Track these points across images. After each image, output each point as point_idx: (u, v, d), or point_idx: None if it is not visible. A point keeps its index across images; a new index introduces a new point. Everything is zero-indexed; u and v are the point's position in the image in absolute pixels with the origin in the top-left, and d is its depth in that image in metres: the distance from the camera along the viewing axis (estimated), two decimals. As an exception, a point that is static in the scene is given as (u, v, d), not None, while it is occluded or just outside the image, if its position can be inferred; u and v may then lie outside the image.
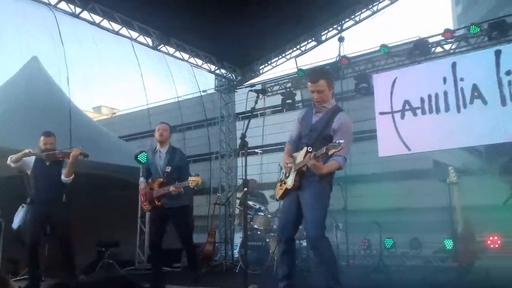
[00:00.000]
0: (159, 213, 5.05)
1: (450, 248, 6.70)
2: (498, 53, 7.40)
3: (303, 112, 3.87)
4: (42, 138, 5.24)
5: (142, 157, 7.43)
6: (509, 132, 7.12)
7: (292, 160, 3.61)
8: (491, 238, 6.78)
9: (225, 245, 8.47)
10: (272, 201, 7.65)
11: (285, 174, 3.68)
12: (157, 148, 5.24)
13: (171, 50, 9.47)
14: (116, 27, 8.46)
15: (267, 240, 6.78)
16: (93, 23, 8.17)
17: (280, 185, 3.72)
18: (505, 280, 5.58)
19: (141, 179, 5.21)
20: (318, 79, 3.58)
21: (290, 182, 3.55)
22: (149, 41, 9.10)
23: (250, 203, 7.14)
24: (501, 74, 7.29)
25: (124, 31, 8.61)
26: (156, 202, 4.98)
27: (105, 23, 8.29)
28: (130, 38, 8.82)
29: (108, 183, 7.79)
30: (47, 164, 5.15)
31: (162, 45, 9.23)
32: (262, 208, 7.20)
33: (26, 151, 5.14)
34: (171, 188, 4.84)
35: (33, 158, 5.17)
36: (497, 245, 6.73)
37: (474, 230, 5.87)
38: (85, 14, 8.00)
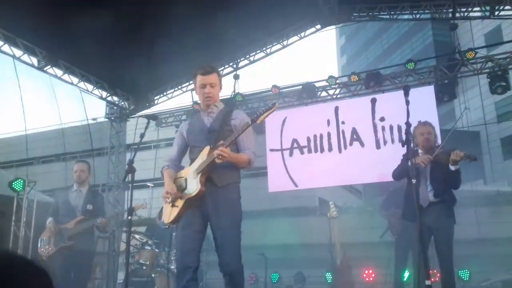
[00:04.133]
0: (63, 258, 4.67)
1: (330, 281, 7.04)
2: (373, 101, 8.24)
3: (187, 123, 3.40)
4: None
5: (17, 185, 6.77)
6: (382, 172, 7.82)
7: (176, 185, 3.09)
8: (366, 271, 7.30)
9: (107, 282, 7.91)
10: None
11: (172, 201, 3.07)
12: (75, 187, 5.02)
13: (59, 72, 8.90)
14: (-3, 43, 7.78)
15: (153, 275, 6.48)
16: (-32, 36, 7.42)
17: (172, 205, 3.06)
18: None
19: (50, 219, 4.82)
20: (211, 71, 3.19)
21: (193, 188, 2.97)
22: (34, 61, 8.47)
23: (137, 236, 6.81)
24: (375, 120, 8.11)
25: (6, 48, 7.94)
26: (67, 242, 4.63)
27: (-17, 37, 7.58)
28: (13, 57, 8.13)
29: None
30: None
31: (49, 67, 8.65)
32: (150, 242, 6.90)
33: None
34: (98, 220, 4.72)
35: None
36: (371, 278, 7.26)
37: (352, 263, 6.25)
38: (-41, 26, 7.24)
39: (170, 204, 3.07)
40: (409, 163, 3.19)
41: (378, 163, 7.68)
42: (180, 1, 7.46)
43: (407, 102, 3.22)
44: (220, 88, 3.30)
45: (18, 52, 8.17)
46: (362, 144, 8.06)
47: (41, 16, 7.21)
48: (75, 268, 4.69)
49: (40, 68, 8.61)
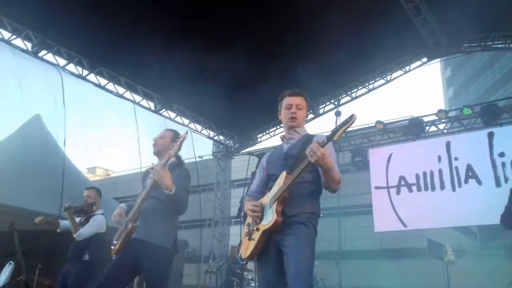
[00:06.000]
0: (128, 252, 3.27)
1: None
2: (491, 135, 7.62)
3: (268, 153, 3.16)
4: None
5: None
6: (504, 213, 7.12)
7: (260, 203, 2.79)
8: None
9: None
10: None
11: (252, 226, 2.81)
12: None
13: (172, 115, 9.67)
14: (121, 90, 8.70)
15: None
16: (98, 85, 8.39)
17: (249, 238, 2.78)
18: None
19: (122, 205, 3.61)
20: (299, 93, 3.02)
21: (268, 219, 2.67)
22: (151, 105, 9.30)
23: (244, 272, 6.90)
24: (494, 156, 7.47)
25: (127, 94, 8.85)
26: (129, 226, 3.27)
27: (110, 86, 8.53)
28: (133, 102, 9.01)
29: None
30: (82, 220, 4.97)
31: (164, 110, 9.43)
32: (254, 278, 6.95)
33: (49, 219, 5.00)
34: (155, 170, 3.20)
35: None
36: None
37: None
38: (91, 77, 8.24)
39: (247, 238, 2.81)
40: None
41: (499, 203, 6.97)
42: (278, 41, 7.73)
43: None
44: (306, 116, 3.09)
45: (137, 98, 9.05)
46: (479, 182, 7.44)
47: (158, 64, 7.95)
48: (141, 267, 3.27)
49: (156, 112, 9.41)
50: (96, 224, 4.88)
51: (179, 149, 3.23)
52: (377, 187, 8.48)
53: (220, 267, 8.99)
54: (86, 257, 4.77)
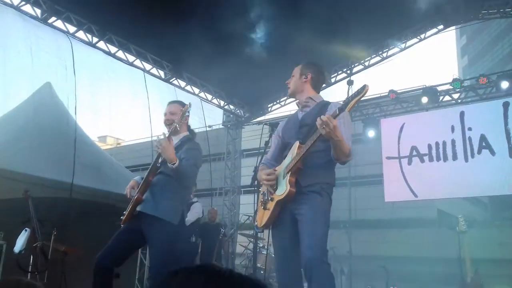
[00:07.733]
0: (135, 223, 3.30)
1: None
2: (506, 105, 7.48)
3: (284, 120, 3.21)
4: None
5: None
6: (517, 184, 7.07)
7: (274, 172, 2.82)
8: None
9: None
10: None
11: (266, 196, 2.85)
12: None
13: (182, 83, 9.60)
14: (131, 58, 8.61)
15: (270, 281, 6.58)
16: (108, 53, 8.31)
17: (264, 207, 2.83)
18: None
19: (136, 177, 3.58)
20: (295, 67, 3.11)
21: (282, 189, 2.70)
22: (161, 73, 9.23)
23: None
24: (509, 126, 7.36)
25: (137, 62, 8.76)
26: (134, 198, 3.31)
27: (120, 53, 8.45)
28: (143, 70, 8.94)
29: (112, 212, 7.65)
30: None
31: (174, 78, 9.35)
32: (267, 246, 7.03)
33: None
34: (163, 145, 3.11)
35: None
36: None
37: (483, 281, 5.70)
38: (101, 44, 8.15)
39: (263, 207, 2.85)
40: None
41: (512, 173, 6.95)
42: (292, 10, 7.55)
43: None
44: (304, 77, 2.99)
45: (147, 66, 8.98)
46: (492, 153, 7.36)
47: (168, 33, 7.84)
48: (147, 241, 3.27)
49: (166, 80, 9.35)
50: (198, 211, 5.40)
51: (181, 120, 3.22)
52: (388, 157, 8.42)
53: (231, 236, 9.13)
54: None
